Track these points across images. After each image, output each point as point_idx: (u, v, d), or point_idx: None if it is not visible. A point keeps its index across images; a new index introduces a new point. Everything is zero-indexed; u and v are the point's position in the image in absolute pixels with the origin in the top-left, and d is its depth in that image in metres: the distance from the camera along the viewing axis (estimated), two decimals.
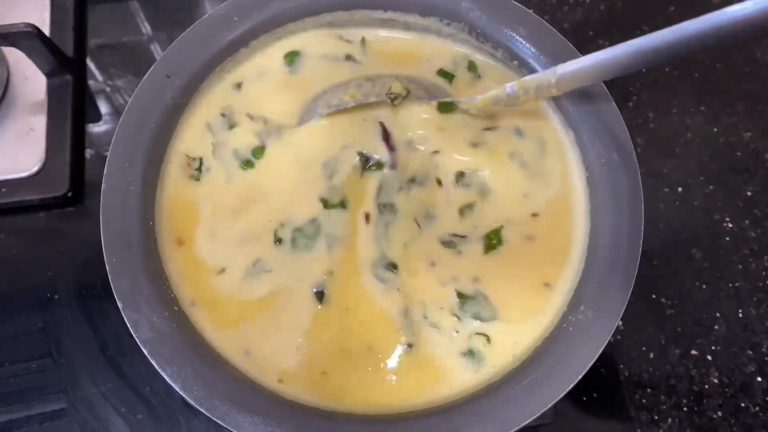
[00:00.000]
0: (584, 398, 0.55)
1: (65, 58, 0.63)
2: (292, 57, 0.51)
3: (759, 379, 0.56)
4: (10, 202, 0.58)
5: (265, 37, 0.50)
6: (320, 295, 0.43)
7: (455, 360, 0.42)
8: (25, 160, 0.59)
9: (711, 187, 0.63)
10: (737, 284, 0.60)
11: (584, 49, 0.49)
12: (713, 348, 0.57)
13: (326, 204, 0.45)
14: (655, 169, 0.64)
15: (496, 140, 0.49)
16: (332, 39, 0.52)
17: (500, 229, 0.46)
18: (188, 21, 0.49)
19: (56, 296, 0.56)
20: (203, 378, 0.38)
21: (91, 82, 0.66)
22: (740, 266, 0.60)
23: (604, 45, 0.69)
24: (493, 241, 0.45)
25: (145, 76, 0.46)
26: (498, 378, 0.41)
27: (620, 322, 0.48)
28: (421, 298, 0.44)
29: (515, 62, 0.50)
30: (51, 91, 0.62)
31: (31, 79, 0.62)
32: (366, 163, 0.46)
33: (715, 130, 0.66)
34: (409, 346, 0.42)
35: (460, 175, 0.47)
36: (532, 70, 0.49)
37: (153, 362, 0.38)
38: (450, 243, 0.45)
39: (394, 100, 0.47)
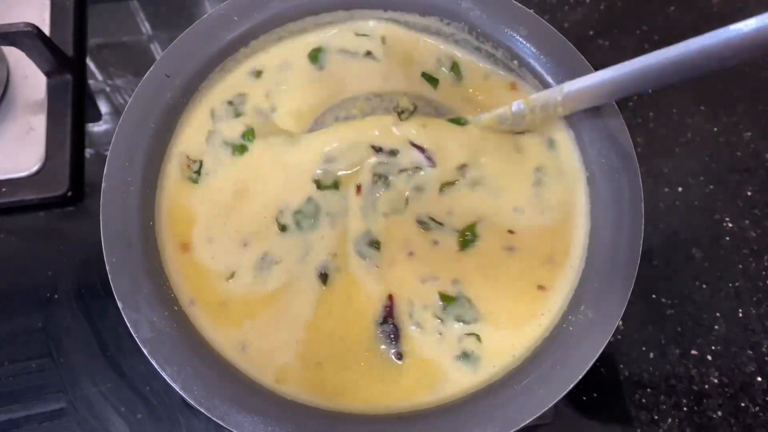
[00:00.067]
0: (584, 398, 0.55)
1: (65, 57, 0.63)
2: (316, 54, 0.51)
3: (759, 379, 0.56)
4: (9, 201, 0.58)
5: (265, 37, 0.50)
6: (324, 278, 0.44)
7: (450, 362, 0.42)
8: (25, 160, 0.59)
9: (711, 186, 0.63)
10: (737, 284, 0.60)
11: (584, 49, 0.49)
12: (713, 348, 0.57)
13: (319, 185, 0.45)
14: (655, 169, 0.64)
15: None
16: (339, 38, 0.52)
17: (475, 224, 0.46)
18: (188, 21, 0.49)
19: (56, 296, 0.56)
20: (203, 378, 0.38)
21: (91, 82, 0.66)
22: (740, 266, 0.60)
23: (605, 45, 0.70)
24: (467, 235, 0.45)
25: (145, 76, 0.46)
26: (498, 378, 0.41)
27: (620, 322, 0.48)
28: (407, 295, 0.43)
29: (515, 62, 0.50)
30: (51, 90, 0.62)
31: (31, 79, 0.62)
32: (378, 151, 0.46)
33: (715, 129, 0.66)
34: (399, 354, 0.42)
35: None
36: (532, 70, 0.49)
37: (153, 362, 0.38)
38: (426, 225, 0.45)
39: (401, 114, 0.47)
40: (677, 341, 0.57)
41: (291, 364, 0.41)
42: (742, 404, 0.55)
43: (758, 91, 0.68)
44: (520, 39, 0.50)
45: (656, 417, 0.55)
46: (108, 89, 0.66)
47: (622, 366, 0.56)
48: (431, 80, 0.51)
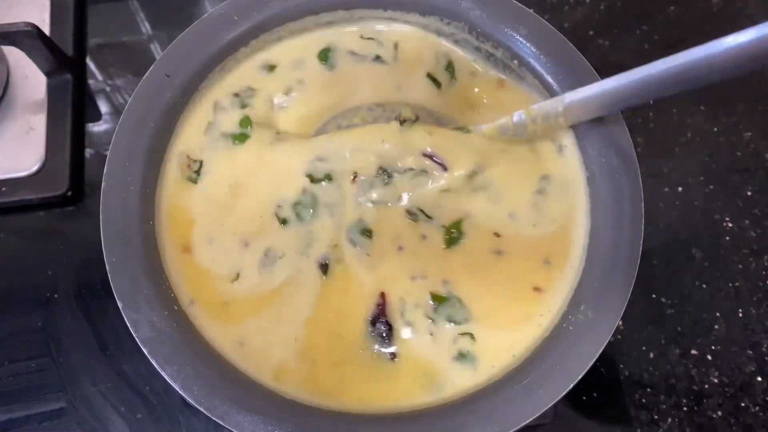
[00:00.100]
0: (584, 398, 0.55)
1: (65, 57, 0.63)
2: (325, 55, 0.51)
3: (759, 378, 0.56)
4: (9, 201, 0.58)
5: (265, 36, 0.50)
6: (324, 268, 0.44)
7: (447, 363, 0.42)
8: (25, 160, 0.59)
9: (711, 186, 0.64)
10: (737, 284, 0.60)
11: (584, 48, 0.49)
12: (713, 348, 0.57)
13: (312, 179, 0.45)
14: (655, 169, 0.64)
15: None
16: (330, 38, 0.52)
17: (461, 221, 0.45)
18: (188, 20, 0.48)
19: (56, 295, 0.56)
20: (203, 377, 0.38)
21: (90, 82, 0.66)
22: (740, 266, 0.60)
23: (605, 45, 0.70)
24: (452, 232, 0.45)
25: (144, 76, 0.46)
26: (498, 378, 0.41)
27: (620, 322, 0.48)
28: (398, 293, 0.43)
29: (515, 61, 0.50)
30: (51, 90, 0.62)
31: (31, 79, 0.62)
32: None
33: (715, 129, 0.66)
34: (392, 354, 0.42)
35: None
36: (532, 70, 0.49)
37: (153, 362, 0.38)
38: (415, 216, 0.45)
39: (403, 123, 0.47)
40: (677, 341, 0.57)
41: (289, 361, 0.41)
42: (742, 404, 0.55)
43: (758, 91, 0.68)
44: (520, 39, 0.49)
45: (656, 417, 0.55)
46: (108, 89, 0.66)
47: (622, 366, 0.56)
48: (435, 82, 0.51)
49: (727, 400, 0.55)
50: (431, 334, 0.43)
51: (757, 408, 0.55)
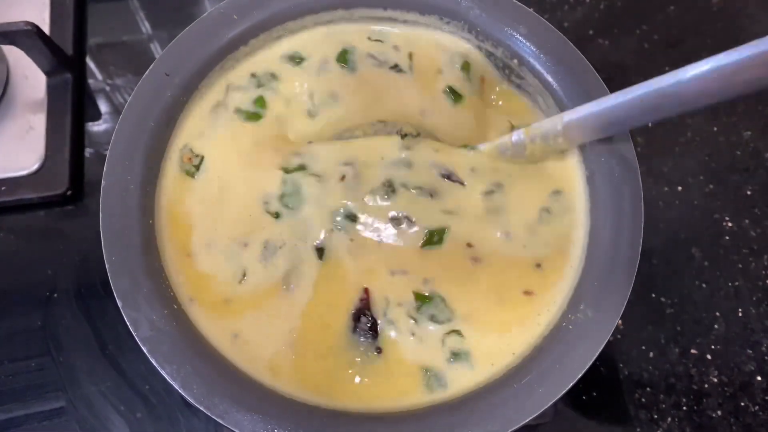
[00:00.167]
0: (584, 397, 0.55)
1: (65, 56, 0.63)
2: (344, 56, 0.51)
3: (759, 378, 0.56)
4: (9, 200, 0.58)
5: (265, 35, 0.50)
6: (320, 252, 0.44)
7: (442, 363, 0.42)
8: (25, 159, 0.59)
9: (711, 186, 0.64)
10: (737, 283, 0.60)
11: (584, 48, 0.49)
12: (713, 347, 0.57)
13: (286, 170, 0.45)
14: (655, 169, 0.64)
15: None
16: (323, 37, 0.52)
17: (445, 230, 0.44)
18: (188, 20, 0.48)
19: (55, 294, 0.56)
20: (203, 376, 0.38)
21: (90, 81, 0.66)
22: (740, 265, 0.60)
23: (604, 44, 0.70)
24: (434, 238, 0.44)
25: (144, 75, 0.46)
26: (497, 377, 0.41)
27: (620, 321, 0.48)
28: (381, 291, 0.43)
29: (515, 60, 0.50)
30: (51, 89, 0.62)
31: (30, 78, 0.63)
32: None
33: (715, 129, 0.66)
34: (377, 347, 0.42)
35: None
36: (532, 69, 0.49)
37: (152, 360, 0.38)
38: (398, 221, 0.44)
39: (404, 137, 0.47)
40: (677, 340, 0.57)
41: (283, 352, 0.41)
42: (742, 403, 0.55)
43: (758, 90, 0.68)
44: (520, 38, 0.50)
45: (656, 416, 0.55)
46: (108, 88, 0.66)
47: (621, 365, 0.56)
48: (455, 95, 0.50)
49: (726, 400, 0.55)
50: (413, 335, 0.42)
51: (757, 407, 0.55)
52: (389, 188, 0.45)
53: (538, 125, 0.45)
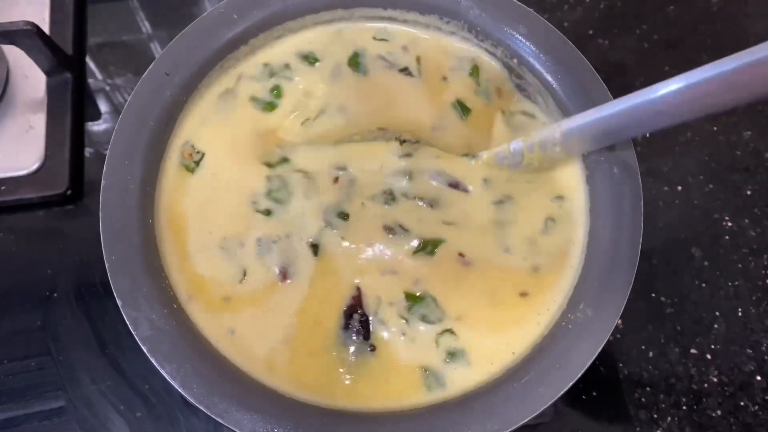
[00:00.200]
0: (584, 397, 0.55)
1: (65, 56, 0.63)
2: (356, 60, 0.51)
3: (758, 378, 0.56)
4: (9, 200, 0.58)
5: (265, 35, 0.50)
6: (315, 249, 0.44)
7: (438, 363, 0.42)
8: (25, 158, 0.59)
9: (711, 185, 0.64)
10: (737, 283, 0.60)
11: (584, 47, 0.49)
12: (713, 347, 0.57)
13: (269, 165, 0.46)
14: (655, 168, 0.64)
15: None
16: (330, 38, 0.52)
17: (439, 242, 0.44)
18: (188, 19, 0.48)
19: (55, 294, 0.56)
20: (202, 375, 0.38)
21: (90, 81, 0.66)
22: (740, 265, 0.60)
23: (604, 44, 0.70)
24: (427, 248, 0.44)
25: (144, 74, 0.46)
26: (497, 376, 0.41)
27: (620, 321, 0.48)
28: (373, 291, 0.43)
29: (515, 60, 0.50)
30: (50, 89, 0.62)
31: (30, 78, 0.63)
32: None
33: (715, 128, 0.66)
34: (371, 345, 0.42)
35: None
36: (532, 68, 0.49)
37: (152, 360, 0.38)
38: (392, 230, 0.44)
39: (403, 143, 0.47)
40: (677, 340, 0.57)
41: (279, 349, 0.41)
42: (742, 403, 0.55)
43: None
44: (520, 37, 0.50)
45: (655, 416, 0.55)
46: (108, 88, 0.66)
47: (621, 365, 0.56)
48: (463, 108, 0.50)
49: (726, 399, 0.55)
50: (404, 335, 0.42)
51: (757, 407, 0.55)
52: (389, 196, 0.45)
53: (536, 133, 0.45)
